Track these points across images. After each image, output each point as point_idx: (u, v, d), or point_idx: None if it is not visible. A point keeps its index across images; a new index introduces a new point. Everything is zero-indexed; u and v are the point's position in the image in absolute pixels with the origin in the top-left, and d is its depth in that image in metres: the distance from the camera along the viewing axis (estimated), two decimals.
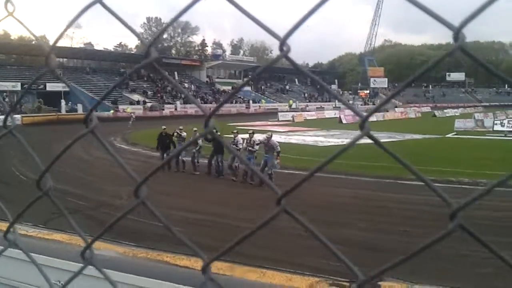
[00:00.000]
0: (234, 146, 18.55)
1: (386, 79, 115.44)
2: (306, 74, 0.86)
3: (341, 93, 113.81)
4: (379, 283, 2.56)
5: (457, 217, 0.72)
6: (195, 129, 19.79)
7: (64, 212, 1.06)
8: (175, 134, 21.11)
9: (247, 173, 17.66)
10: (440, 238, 0.71)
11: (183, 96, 77.42)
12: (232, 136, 19.16)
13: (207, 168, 19.50)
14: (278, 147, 17.61)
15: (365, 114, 0.77)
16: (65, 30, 1.09)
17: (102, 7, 0.98)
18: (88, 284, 2.32)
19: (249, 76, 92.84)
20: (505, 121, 40.63)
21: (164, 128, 21.63)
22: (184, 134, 21.06)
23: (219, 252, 0.94)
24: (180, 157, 20.11)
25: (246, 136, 19.11)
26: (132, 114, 51.53)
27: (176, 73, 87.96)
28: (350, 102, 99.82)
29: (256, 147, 18.22)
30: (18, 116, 45.53)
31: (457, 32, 0.69)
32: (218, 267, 2.69)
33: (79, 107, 57.49)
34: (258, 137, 19.11)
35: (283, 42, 0.80)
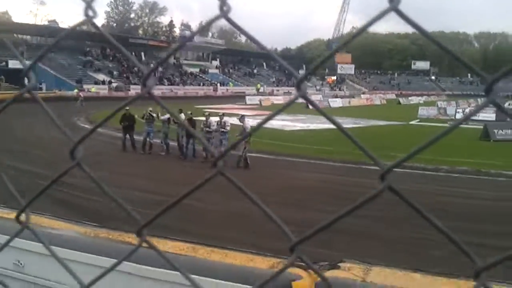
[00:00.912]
0: (207, 128, 18.60)
1: (353, 65, 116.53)
2: (256, 42, 0.84)
3: (309, 78, 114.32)
4: (339, 264, 2.62)
5: (386, 179, 0.74)
6: (179, 109, 20.09)
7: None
8: (146, 115, 20.74)
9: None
10: (370, 198, 0.73)
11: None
12: (204, 118, 19.16)
13: (179, 150, 19.46)
14: (248, 127, 17.74)
15: (301, 74, 0.76)
16: None
17: None
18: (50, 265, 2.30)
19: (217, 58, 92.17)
20: (467, 110, 41.64)
21: (127, 109, 21.22)
22: (154, 115, 20.78)
23: (152, 216, 0.93)
24: (148, 139, 20.03)
25: (217, 118, 19.11)
26: (80, 94, 50.19)
27: (143, 53, 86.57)
28: (318, 87, 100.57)
29: (228, 128, 18.29)
30: None
31: None
32: (181, 248, 2.70)
33: (44, 86, 56.07)
34: (229, 119, 19.22)
35: (223, 1, 0.78)
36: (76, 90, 56.39)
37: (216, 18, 0.79)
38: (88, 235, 2.97)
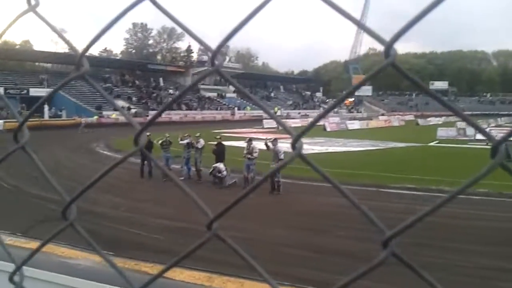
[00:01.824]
0: (249, 155, 18.44)
1: (371, 87, 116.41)
2: (241, 90, 0.84)
3: (325, 100, 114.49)
4: None
5: (390, 245, 0.69)
6: (197, 134, 20.09)
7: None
8: (163, 141, 20.77)
9: (247, 179, 17.84)
10: (372, 268, 0.69)
11: (167, 101, 77.26)
12: (246, 144, 19.14)
13: (197, 175, 19.49)
14: (282, 155, 17.55)
15: (295, 133, 0.74)
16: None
17: (37, 16, 0.95)
18: None
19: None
20: (487, 130, 41.05)
21: (148, 135, 21.27)
22: (171, 141, 20.85)
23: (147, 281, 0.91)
24: (167, 166, 19.93)
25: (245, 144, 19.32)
26: (82, 120, 50.39)
27: (161, 79, 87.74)
28: (335, 110, 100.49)
29: (255, 155, 18.24)
30: (0, 121, 44.88)
31: (388, 48, 0.68)
32: (196, 277, 2.66)
33: (64, 113, 56.99)
34: (257, 144, 19.20)
35: (214, 55, 0.76)
36: (96, 117, 57.15)
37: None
38: (104, 265, 2.93)
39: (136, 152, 0.82)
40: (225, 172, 18.54)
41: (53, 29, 0.93)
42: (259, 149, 18.83)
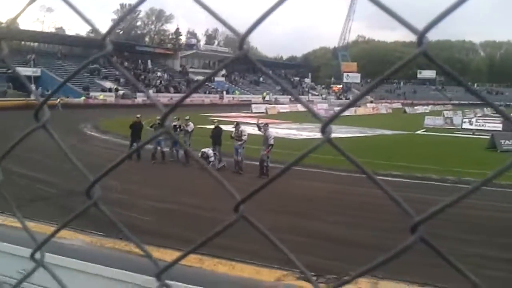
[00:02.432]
0: (238, 138, 18.49)
1: (359, 74, 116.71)
2: (269, 76, 0.83)
3: (314, 86, 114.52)
4: (346, 277, 2.58)
5: (419, 230, 0.71)
6: (187, 117, 19.84)
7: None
8: (154, 124, 20.41)
9: (237, 163, 18.03)
10: (401, 251, 0.70)
11: (155, 84, 76.66)
12: (233, 128, 19.18)
13: (185, 157, 19.38)
14: (272, 140, 17.78)
15: (325, 118, 0.74)
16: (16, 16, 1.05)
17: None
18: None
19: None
20: (473, 120, 41.57)
21: (138, 117, 21.15)
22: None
23: (172, 261, 0.92)
24: (159, 148, 19.80)
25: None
26: (59, 100, 49.61)
27: (149, 61, 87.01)
28: (324, 96, 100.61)
29: (245, 138, 18.28)
30: None
31: (421, 37, 0.68)
32: (187, 259, 2.67)
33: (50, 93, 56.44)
34: (245, 128, 19.26)
35: (243, 40, 0.76)
36: (83, 98, 56.66)
37: (237, 56, 0.79)
38: (94, 245, 2.95)
39: (163, 133, 0.82)
40: (212, 158, 18.57)
41: (75, 10, 0.92)
42: (248, 133, 18.87)
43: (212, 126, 20.02)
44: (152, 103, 0.89)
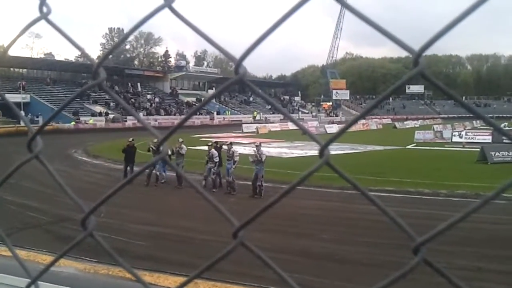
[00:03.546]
0: (228, 157, 18.60)
1: (348, 91, 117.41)
2: (266, 99, 0.84)
3: (304, 104, 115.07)
4: None
5: (421, 251, 0.70)
6: (180, 139, 19.60)
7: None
8: (151, 148, 20.17)
9: (229, 183, 17.98)
10: (404, 274, 0.70)
11: (145, 107, 76.64)
12: (226, 148, 19.21)
13: (177, 180, 19.21)
14: (263, 157, 17.83)
15: (323, 142, 0.74)
16: (10, 45, 1.05)
17: (48, 24, 0.94)
18: None
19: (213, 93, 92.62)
20: (463, 133, 41.85)
21: (131, 140, 21.05)
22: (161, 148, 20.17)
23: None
24: (154, 171, 19.57)
25: (224, 147, 19.56)
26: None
27: (139, 84, 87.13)
28: (314, 114, 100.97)
29: (237, 159, 18.25)
30: None
31: (418, 57, 0.68)
32: (182, 283, 2.64)
33: (40, 119, 56.24)
34: (237, 148, 19.26)
35: (238, 64, 0.76)
36: (73, 123, 56.49)
37: (234, 81, 0.78)
38: (88, 272, 2.91)
39: (160, 159, 0.82)
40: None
41: (67, 37, 0.92)
42: (239, 153, 18.90)
43: (206, 148, 19.95)
44: (144, 127, 0.89)
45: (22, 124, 53.87)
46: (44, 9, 0.93)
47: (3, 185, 1.14)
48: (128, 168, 20.37)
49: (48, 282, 2.81)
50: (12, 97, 55.65)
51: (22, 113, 55.89)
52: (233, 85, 0.79)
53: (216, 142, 19.95)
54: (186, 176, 0.92)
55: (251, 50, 0.75)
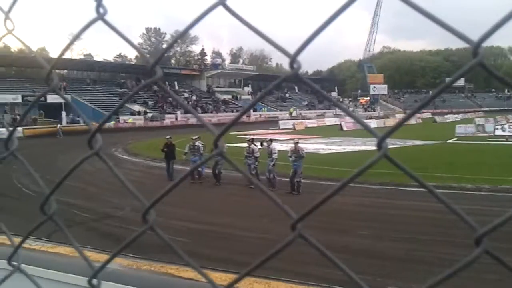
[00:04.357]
0: (248, 154, 18.76)
1: (386, 85, 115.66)
2: (318, 90, 0.83)
3: (341, 100, 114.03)
4: None
5: (483, 242, 0.69)
6: (196, 136, 19.96)
7: (68, 235, 1.05)
8: (191, 145, 20.58)
9: (269, 180, 17.95)
10: (466, 264, 0.69)
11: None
12: (266, 144, 19.30)
13: (214, 177, 19.38)
14: (304, 153, 17.89)
15: (380, 134, 0.74)
16: (68, 46, 1.09)
17: (105, 24, 0.97)
18: None
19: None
20: (506, 126, 40.60)
21: (169, 138, 21.45)
22: (197, 144, 20.46)
23: (229, 283, 0.92)
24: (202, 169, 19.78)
25: (262, 144, 19.89)
26: (58, 127, 51.78)
27: (176, 82, 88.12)
28: (351, 109, 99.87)
29: (275, 156, 18.29)
30: (19, 129, 45.50)
31: (477, 47, 0.67)
32: (223, 279, 2.67)
33: (81, 119, 57.71)
34: (277, 145, 19.27)
35: (293, 59, 0.76)
36: (113, 122, 57.65)
37: (289, 76, 0.78)
38: (131, 267, 2.97)
39: (215, 155, 0.84)
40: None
41: (123, 37, 0.96)
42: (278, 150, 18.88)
43: (243, 145, 20.14)
44: (201, 123, 0.90)
45: (64, 124, 55.48)
46: (101, 10, 0.95)
47: (49, 184, 1.19)
48: (170, 164, 20.75)
49: (94, 278, 2.89)
50: (54, 98, 56.87)
51: (63, 113, 57.42)
52: (287, 81, 0.80)
53: (252, 139, 19.97)
54: (243, 171, 0.93)
55: (306, 45, 0.75)
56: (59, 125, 51.67)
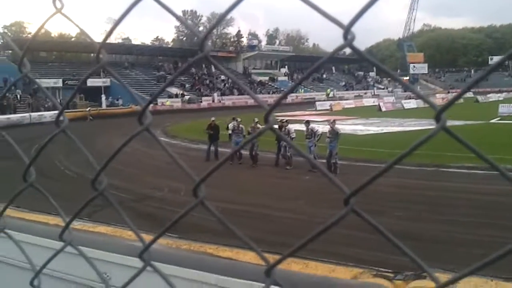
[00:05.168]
0: (308, 137, 18.60)
1: (426, 64, 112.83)
2: (372, 62, 0.82)
3: (379, 80, 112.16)
4: (423, 273, 2.51)
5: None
6: (256, 119, 19.47)
7: (120, 211, 1.10)
8: (233, 126, 20.99)
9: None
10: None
11: (220, 87, 77.75)
12: (305, 127, 19.11)
13: (251, 159, 19.50)
14: (340, 131, 18.00)
15: (438, 107, 0.74)
16: (115, 26, 1.13)
17: (157, 3, 0.99)
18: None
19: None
20: None
21: (213, 119, 21.78)
22: (241, 126, 20.74)
23: (279, 259, 0.94)
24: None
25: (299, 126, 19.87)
26: (89, 109, 51.49)
27: (212, 65, 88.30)
28: (390, 89, 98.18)
29: (293, 135, 18.35)
30: (50, 113, 46.62)
31: None
32: (257, 258, 2.71)
33: (120, 102, 58.66)
34: (315, 126, 19.16)
35: (347, 30, 0.76)
36: (151, 104, 58.45)
37: (342, 47, 0.78)
38: (170, 246, 3.05)
39: (267, 129, 0.84)
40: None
41: (174, 15, 0.99)
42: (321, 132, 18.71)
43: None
44: (254, 99, 0.91)
45: (103, 107, 56.50)
46: None
47: (87, 164, 1.23)
48: (213, 147, 21.14)
49: (134, 257, 2.98)
50: (94, 82, 57.80)
51: (103, 96, 58.43)
52: (340, 50, 0.79)
53: (286, 120, 19.90)
54: (299, 150, 0.95)
55: (360, 15, 0.75)
56: (89, 108, 51.87)
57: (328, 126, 18.00)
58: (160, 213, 12.43)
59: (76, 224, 3.73)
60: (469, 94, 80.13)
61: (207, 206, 0.97)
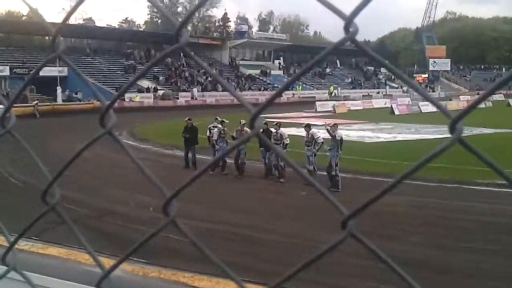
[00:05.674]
0: (276, 141, 18.51)
1: (449, 60, 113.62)
2: (378, 60, 0.82)
3: (392, 77, 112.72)
4: None
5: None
6: (243, 121, 19.12)
7: (75, 230, 1.09)
8: (218, 131, 20.44)
9: (310, 173, 17.41)
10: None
11: (201, 81, 77.45)
12: (274, 130, 19.11)
13: (236, 169, 19.48)
14: (342, 136, 17.93)
15: (454, 116, 0.74)
16: (77, 6, 1.12)
17: None
18: None
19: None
20: None
21: (189, 119, 21.57)
22: (225, 129, 20.43)
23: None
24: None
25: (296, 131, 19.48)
26: (36, 104, 50.85)
27: (193, 54, 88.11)
28: (405, 89, 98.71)
29: (319, 141, 18.10)
30: None
31: None
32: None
33: (79, 95, 57.70)
34: (317, 131, 19.00)
35: (349, 21, 0.76)
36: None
37: (343, 41, 0.78)
38: (136, 274, 3.02)
39: (253, 136, 0.83)
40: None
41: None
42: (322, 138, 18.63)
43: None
44: (238, 99, 0.91)
45: (59, 102, 55.91)
46: None
47: (36, 173, 1.23)
48: (189, 153, 20.95)
49: (92, 286, 2.95)
50: (48, 71, 56.73)
51: (59, 89, 57.82)
52: (344, 42, 0.78)
53: (278, 123, 19.76)
54: (287, 159, 0.94)
55: (365, 4, 0.75)
56: (36, 102, 51.05)
57: (326, 131, 17.90)
58: (125, 232, 12.34)
59: (23, 245, 3.69)
60: (500, 97, 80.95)
61: (179, 226, 0.96)
